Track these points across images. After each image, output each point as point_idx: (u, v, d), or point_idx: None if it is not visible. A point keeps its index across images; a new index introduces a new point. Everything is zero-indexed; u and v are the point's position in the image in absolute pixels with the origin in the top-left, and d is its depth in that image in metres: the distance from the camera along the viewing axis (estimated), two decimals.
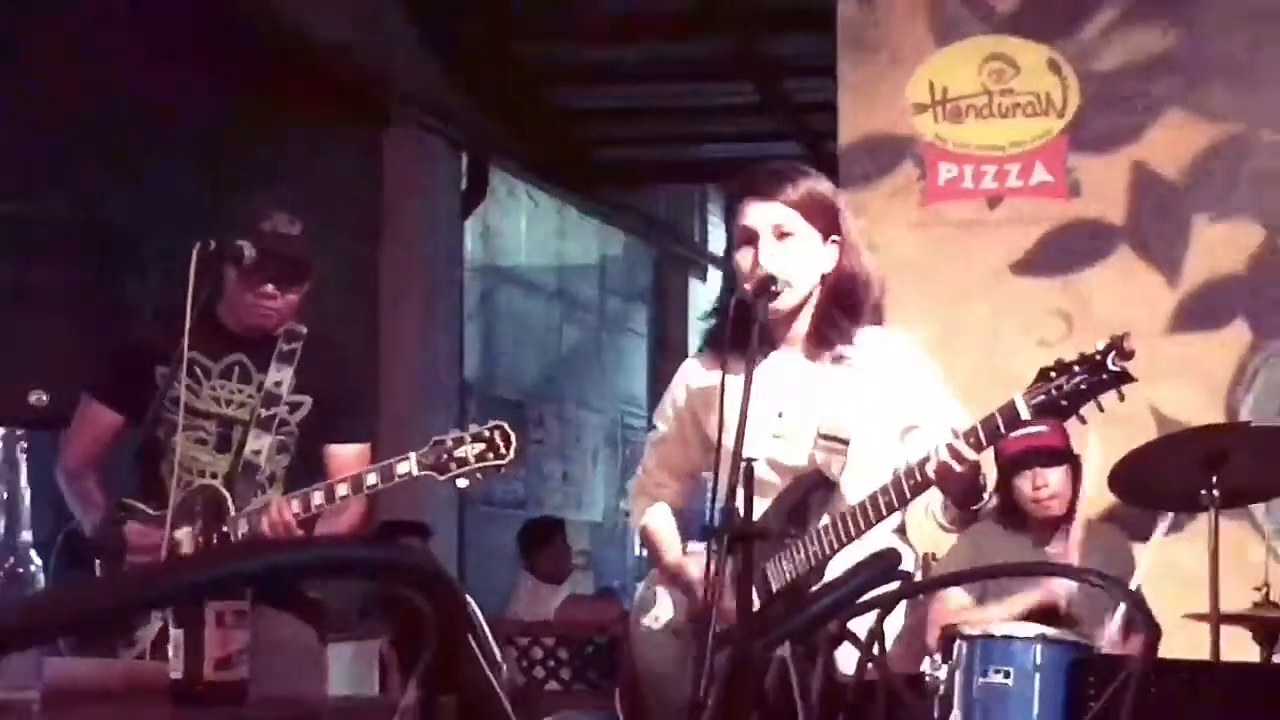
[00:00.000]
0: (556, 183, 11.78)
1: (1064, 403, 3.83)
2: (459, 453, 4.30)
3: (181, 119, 7.86)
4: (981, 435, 3.96)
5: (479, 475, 4.37)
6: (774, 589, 4.40)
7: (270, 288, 4.40)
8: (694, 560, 4.46)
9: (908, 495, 4.11)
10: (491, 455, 4.35)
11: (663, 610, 4.62)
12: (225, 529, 4.38)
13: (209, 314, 4.41)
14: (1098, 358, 3.80)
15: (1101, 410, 3.80)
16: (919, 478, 4.05)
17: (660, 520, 4.68)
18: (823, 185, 4.38)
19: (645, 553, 4.85)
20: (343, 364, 4.78)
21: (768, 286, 4.18)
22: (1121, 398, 3.80)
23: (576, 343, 12.96)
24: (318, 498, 4.33)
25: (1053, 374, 3.83)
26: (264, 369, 4.51)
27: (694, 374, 4.55)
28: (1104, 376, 3.81)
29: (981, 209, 7.21)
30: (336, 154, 9.39)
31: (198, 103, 7.95)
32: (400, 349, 9.75)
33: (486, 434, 4.36)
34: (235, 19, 8.01)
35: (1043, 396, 3.83)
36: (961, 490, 4.12)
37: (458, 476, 4.31)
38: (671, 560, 4.56)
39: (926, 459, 4.01)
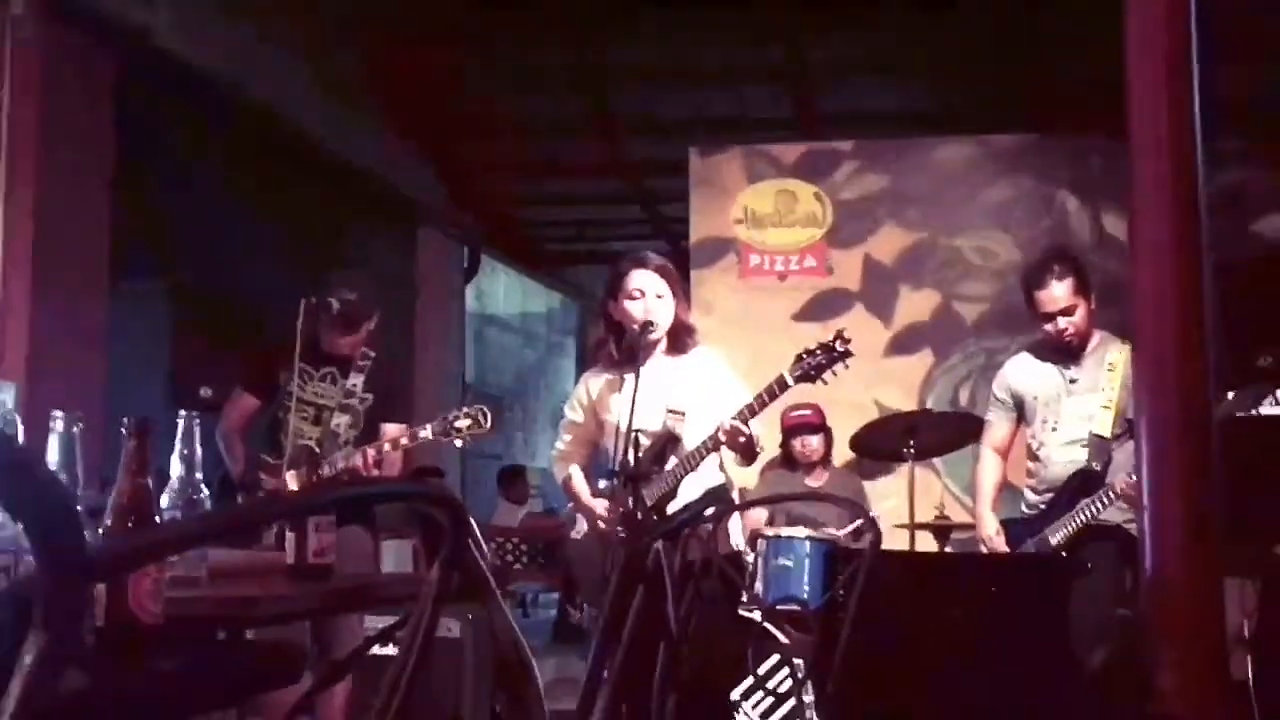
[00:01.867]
0: (521, 263, 11.67)
1: (813, 372, 3.79)
2: (457, 424, 4.25)
3: (282, 224, 7.75)
4: (765, 396, 3.97)
5: (470, 438, 4.33)
6: (647, 505, 4.40)
7: (339, 335, 4.36)
8: (599, 503, 4.45)
9: (714, 447, 4.12)
10: (477, 426, 4.28)
11: (581, 528, 4.60)
12: (322, 472, 4.31)
13: (315, 342, 4.36)
14: (831, 344, 3.78)
15: (835, 375, 3.76)
16: (714, 440, 4.07)
17: (576, 476, 4.62)
18: (672, 266, 4.38)
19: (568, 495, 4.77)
20: (392, 375, 4.71)
21: (649, 327, 4.16)
22: (846, 366, 3.76)
23: (533, 361, 12.89)
24: (373, 452, 4.27)
25: (804, 356, 3.81)
26: (346, 376, 4.45)
27: (591, 381, 4.52)
28: (834, 354, 3.78)
29: (775, 281, 7.16)
30: (387, 247, 9.32)
31: (297, 212, 7.86)
32: (427, 365, 9.66)
33: (474, 413, 4.31)
34: (319, 162, 7.86)
35: (800, 370, 3.81)
36: (742, 448, 4.13)
37: (456, 439, 4.28)
38: (586, 502, 4.53)
39: (717, 430, 4.03)
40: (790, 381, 3.92)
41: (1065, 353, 4.29)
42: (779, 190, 7.22)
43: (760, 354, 6.83)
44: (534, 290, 12.65)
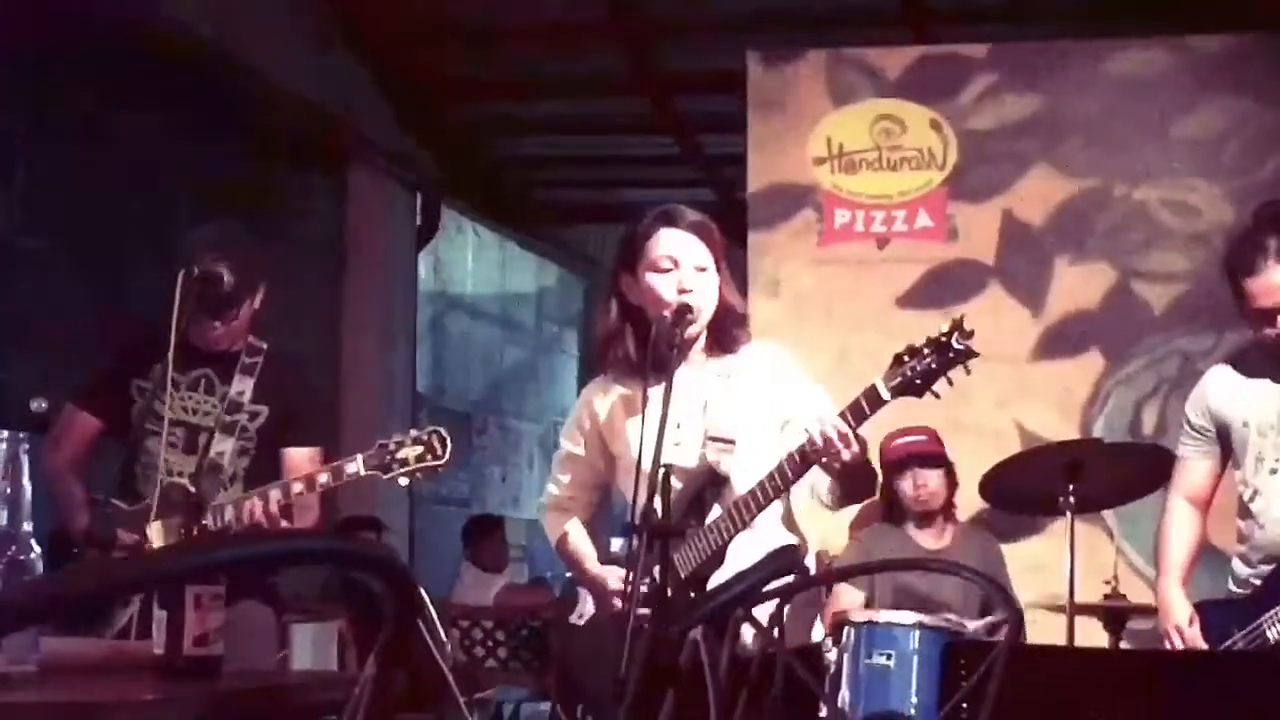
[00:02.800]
0: (499, 221, 11.73)
1: (918, 381, 3.75)
2: (400, 454, 4.29)
3: (171, 165, 7.83)
4: (849, 416, 3.95)
5: (419, 474, 4.36)
6: (681, 576, 4.41)
7: (208, 319, 4.39)
8: (610, 572, 4.45)
9: (790, 478, 4.06)
10: (430, 456, 4.33)
11: (585, 609, 4.62)
12: (205, 522, 4.34)
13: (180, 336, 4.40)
14: (943, 339, 3.73)
15: (951, 384, 3.72)
16: (799, 460, 4.03)
17: (577, 534, 4.63)
18: (717, 227, 4.39)
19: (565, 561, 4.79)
20: (298, 377, 4.74)
21: (686, 314, 4.15)
22: (968, 371, 3.71)
23: (516, 362, 12.93)
24: (276, 494, 4.30)
25: (905, 357, 3.76)
26: (227, 381, 4.49)
27: (598, 398, 4.50)
28: (950, 355, 3.73)
29: (871, 249, 7.21)
30: (306, 194, 9.36)
31: (186, 149, 7.91)
32: (361, 366, 9.72)
33: (425, 437, 4.35)
34: (217, 81, 7.94)
35: (899, 378, 3.77)
36: (847, 471, 4.07)
37: (400, 475, 4.30)
38: (591, 571, 4.53)
39: (806, 442, 4.00)
40: (885, 394, 3.90)
41: None
42: (880, 115, 7.27)
43: (847, 355, 6.90)
44: (518, 260, 12.70)
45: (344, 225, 9.80)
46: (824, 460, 3.99)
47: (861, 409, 3.94)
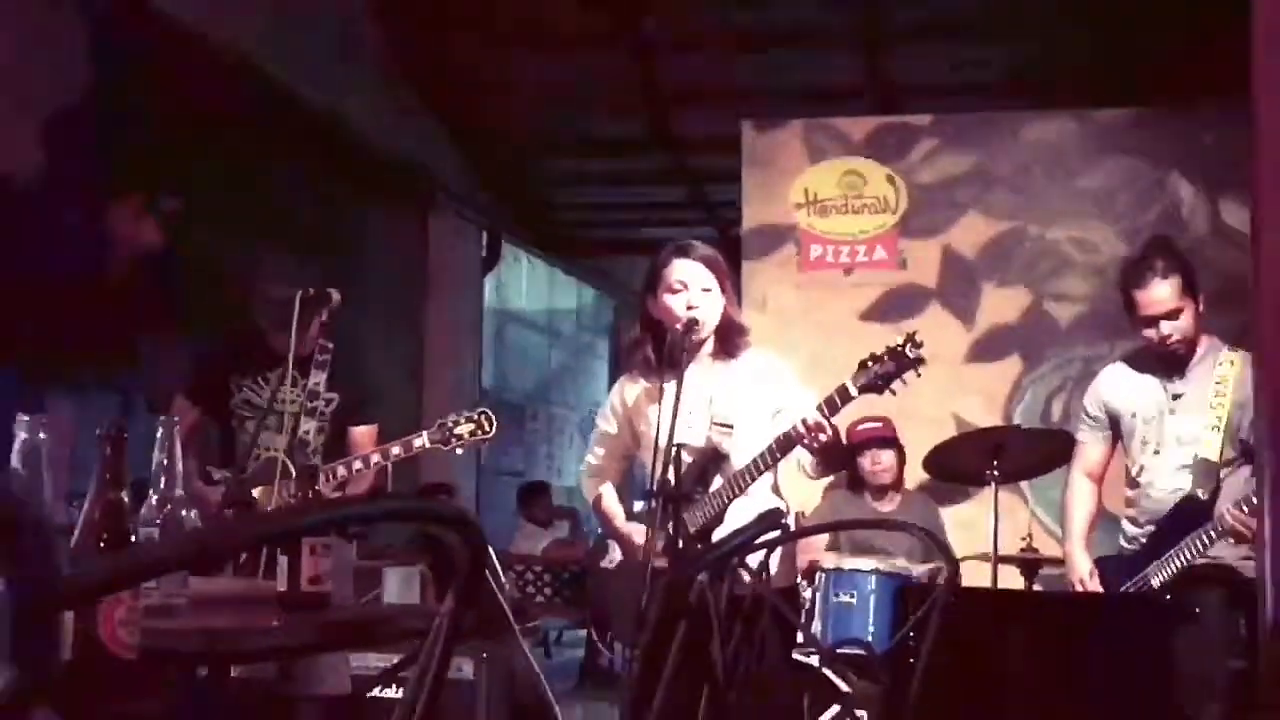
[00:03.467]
0: (548, 252, 11.72)
1: (880, 381, 3.77)
2: (457, 430, 4.31)
3: (295, 209, 7.81)
4: (825, 408, 3.96)
5: (472, 445, 4.38)
6: (690, 531, 4.42)
7: (287, 329, 4.39)
8: (635, 528, 4.47)
9: (778, 456, 4.09)
10: (479, 432, 4.35)
11: (614, 556, 4.63)
12: (318, 487, 4.35)
13: (261, 341, 4.43)
14: (899, 348, 3.74)
15: (906, 384, 3.70)
16: (785, 442, 4.05)
17: (609, 496, 4.65)
18: (722, 257, 4.40)
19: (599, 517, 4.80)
20: (358, 370, 4.76)
21: (694, 326, 4.17)
22: (919, 374, 3.70)
23: (559, 363, 12.91)
24: (358, 464, 4.33)
25: (869, 363, 3.78)
26: (306, 375, 4.49)
27: (627, 388, 4.53)
28: (904, 361, 3.73)
29: (839, 276, 7.20)
30: (396, 231, 9.37)
31: (306, 195, 7.90)
32: (438, 368, 9.71)
33: (476, 416, 4.37)
34: (331, 143, 7.91)
35: (865, 379, 3.78)
36: (824, 449, 4.09)
37: (457, 447, 4.33)
38: (621, 528, 4.55)
39: (792, 428, 4.01)
40: (853, 392, 3.91)
41: (1168, 363, 4.27)
42: (845, 170, 7.25)
43: (820, 359, 6.83)
44: (562, 283, 12.68)
45: (426, 256, 9.80)
46: (805, 442, 4.01)
47: (835, 403, 3.96)
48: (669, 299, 4.32)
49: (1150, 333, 4.24)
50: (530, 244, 11.41)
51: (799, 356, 6.84)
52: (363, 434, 4.55)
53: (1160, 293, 4.20)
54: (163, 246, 5.57)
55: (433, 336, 9.80)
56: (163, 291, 6.36)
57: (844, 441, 4.44)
